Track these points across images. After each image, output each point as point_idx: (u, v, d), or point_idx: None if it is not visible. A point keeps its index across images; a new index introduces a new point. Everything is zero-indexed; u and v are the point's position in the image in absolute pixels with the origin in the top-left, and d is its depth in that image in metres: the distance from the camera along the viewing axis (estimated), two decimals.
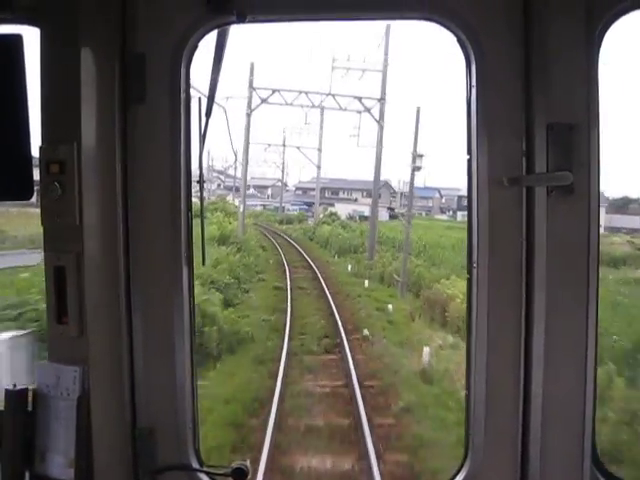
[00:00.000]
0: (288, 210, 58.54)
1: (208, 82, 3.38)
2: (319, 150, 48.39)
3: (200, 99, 3.32)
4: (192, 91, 3.31)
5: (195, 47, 3.26)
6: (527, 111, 3.07)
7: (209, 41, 3.29)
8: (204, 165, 3.51)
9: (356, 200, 52.63)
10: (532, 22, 3.03)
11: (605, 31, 3.06)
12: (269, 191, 63.74)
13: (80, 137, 3.00)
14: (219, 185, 61.39)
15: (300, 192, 59.78)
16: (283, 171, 57.66)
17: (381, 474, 12.28)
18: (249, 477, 3.24)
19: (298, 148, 50.53)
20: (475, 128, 3.15)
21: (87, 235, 3.06)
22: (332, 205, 52.12)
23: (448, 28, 3.17)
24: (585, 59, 3.00)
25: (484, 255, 3.15)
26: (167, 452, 3.32)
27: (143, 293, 3.28)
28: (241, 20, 3.11)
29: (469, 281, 3.24)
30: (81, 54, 3.01)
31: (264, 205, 62.75)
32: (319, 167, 49.21)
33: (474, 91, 3.14)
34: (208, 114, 3.34)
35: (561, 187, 2.99)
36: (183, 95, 3.25)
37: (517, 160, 3.10)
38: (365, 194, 51.15)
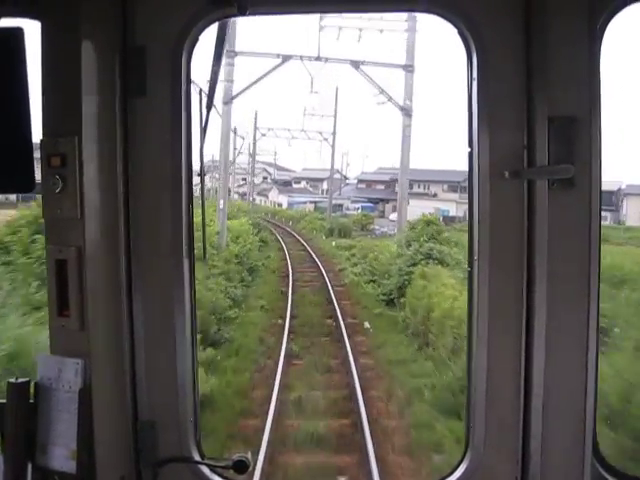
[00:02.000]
0: (347, 209, 50.36)
1: (209, 75, 3.87)
2: (408, 69, 31.13)
3: (201, 91, 3.74)
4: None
5: (196, 40, 3.68)
6: (528, 104, 3.44)
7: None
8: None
9: (435, 195, 48.86)
10: (534, 15, 3.39)
11: (607, 24, 3.41)
12: (324, 185, 55.03)
13: (81, 130, 3.40)
14: (265, 178, 54.41)
15: (363, 185, 53.83)
16: (334, 146, 45.18)
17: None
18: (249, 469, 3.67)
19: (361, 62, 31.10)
20: (476, 121, 3.53)
21: (88, 228, 3.46)
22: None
23: (449, 20, 3.55)
24: (587, 51, 3.36)
25: (485, 248, 3.54)
26: (168, 445, 3.76)
27: (144, 286, 3.72)
28: (242, 13, 3.50)
29: (470, 274, 3.63)
30: (82, 47, 3.40)
31: (315, 203, 54.37)
32: (408, 113, 32.63)
33: (475, 84, 3.51)
34: (209, 107, 3.78)
35: (562, 180, 3.37)
36: (184, 88, 3.66)
37: (518, 153, 3.47)
38: (446, 187, 47.28)
